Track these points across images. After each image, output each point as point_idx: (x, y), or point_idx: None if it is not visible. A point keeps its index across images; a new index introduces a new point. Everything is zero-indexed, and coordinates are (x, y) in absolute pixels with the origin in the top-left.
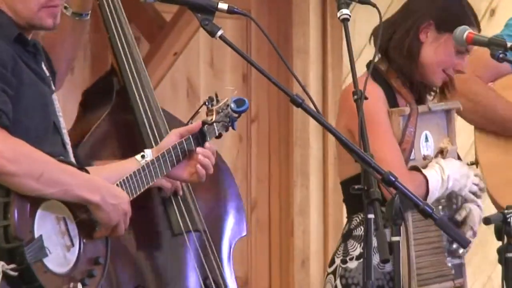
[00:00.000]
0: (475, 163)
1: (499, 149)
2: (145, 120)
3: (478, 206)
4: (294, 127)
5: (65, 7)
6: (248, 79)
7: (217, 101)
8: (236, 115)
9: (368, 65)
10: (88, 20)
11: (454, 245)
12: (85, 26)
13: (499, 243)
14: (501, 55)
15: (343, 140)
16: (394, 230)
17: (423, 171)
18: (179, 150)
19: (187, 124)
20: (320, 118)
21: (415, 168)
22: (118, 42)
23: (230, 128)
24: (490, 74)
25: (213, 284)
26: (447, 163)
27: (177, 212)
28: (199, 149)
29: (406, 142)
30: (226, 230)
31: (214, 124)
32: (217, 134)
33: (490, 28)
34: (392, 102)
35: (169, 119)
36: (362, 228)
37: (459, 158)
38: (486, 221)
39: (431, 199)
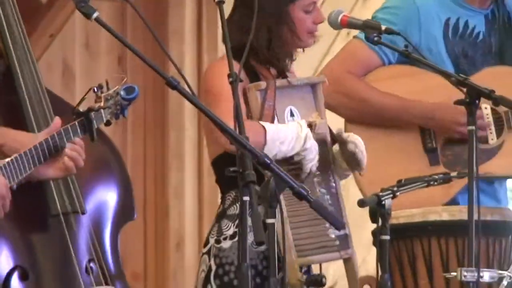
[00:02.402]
0: None
1: (372, 143)
2: (27, 101)
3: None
4: (169, 109)
5: None
6: (124, 61)
7: (108, 89)
8: (126, 102)
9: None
10: None
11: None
12: None
13: (374, 226)
14: (375, 38)
15: (218, 123)
16: (270, 213)
17: (262, 122)
18: (50, 144)
19: (74, 108)
20: (195, 100)
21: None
22: (3, 22)
23: (121, 115)
24: (361, 69)
25: (95, 266)
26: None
27: (55, 193)
28: (68, 144)
29: (266, 116)
30: (112, 213)
31: (102, 110)
32: (104, 121)
33: (365, 12)
34: (256, 81)
35: (55, 101)
36: (236, 207)
37: (330, 132)
38: (361, 203)
39: (271, 151)
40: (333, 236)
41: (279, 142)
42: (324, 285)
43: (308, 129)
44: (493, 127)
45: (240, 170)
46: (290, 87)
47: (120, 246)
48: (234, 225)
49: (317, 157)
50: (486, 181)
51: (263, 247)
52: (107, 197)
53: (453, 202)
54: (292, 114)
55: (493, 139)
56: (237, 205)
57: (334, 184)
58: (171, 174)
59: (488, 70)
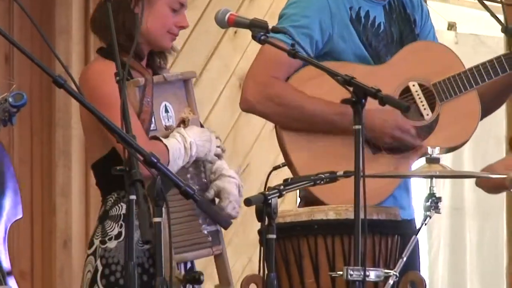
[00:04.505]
0: (287, 164)
1: (308, 148)
2: None
3: (230, 176)
4: (56, 107)
5: None
6: (11, 60)
7: None
8: (14, 109)
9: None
10: None
11: None
12: None
13: (260, 224)
14: (262, 37)
15: (104, 121)
16: (156, 211)
17: (164, 140)
18: None
19: None
20: (81, 99)
21: (156, 138)
22: None
23: (9, 123)
24: (285, 72)
25: None
26: (188, 131)
27: None
28: None
29: (145, 113)
30: (1, 212)
31: None
32: None
33: (252, 10)
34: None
35: None
36: (118, 207)
37: (201, 126)
38: (247, 202)
39: (173, 167)
40: (205, 232)
41: (177, 158)
42: (201, 282)
43: (191, 139)
44: (425, 102)
45: (126, 168)
46: (165, 83)
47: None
48: (118, 225)
49: (208, 145)
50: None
51: (148, 245)
52: None
53: (390, 200)
54: (166, 110)
55: (428, 115)
56: (119, 205)
57: (205, 181)
58: (58, 172)
59: (406, 48)
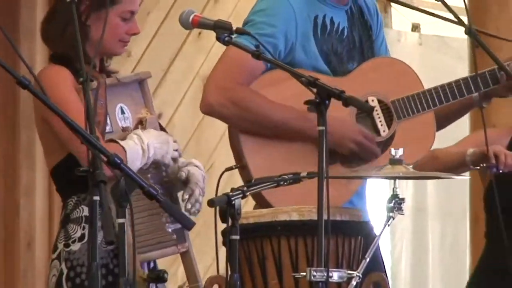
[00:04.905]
0: (242, 166)
1: (266, 152)
2: None
3: (196, 166)
4: (20, 109)
5: None
6: None
7: None
8: None
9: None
10: None
11: None
12: None
13: (224, 225)
14: (226, 38)
15: (69, 122)
16: (120, 212)
17: (121, 142)
18: None
19: None
20: (46, 100)
21: (113, 140)
22: None
23: None
24: (247, 76)
25: None
26: (146, 133)
27: None
28: None
29: (99, 115)
30: None
31: None
32: None
33: (216, 12)
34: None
35: None
36: (79, 210)
37: (160, 126)
38: (211, 203)
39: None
40: (170, 230)
41: (135, 160)
42: (165, 280)
43: (149, 140)
44: (383, 119)
45: (90, 169)
46: (119, 85)
47: None
48: (80, 227)
49: (165, 147)
50: None
51: (112, 246)
52: None
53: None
54: (122, 112)
55: (384, 131)
56: (80, 208)
57: (166, 180)
58: (22, 174)
59: (368, 63)
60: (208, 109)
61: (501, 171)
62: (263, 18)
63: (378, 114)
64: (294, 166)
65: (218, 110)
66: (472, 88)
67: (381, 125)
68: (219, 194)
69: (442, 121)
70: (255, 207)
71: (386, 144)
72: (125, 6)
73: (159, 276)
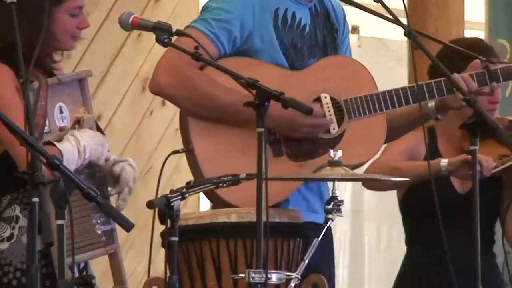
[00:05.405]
0: (189, 150)
1: (213, 137)
2: None
3: (130, 165)
4: None
5: None
6: None
7: None
8: None
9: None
10: None
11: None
12: None
13: (163, 227)
14: (166, 40)
15: (9, 124)
16: (59, 214)
17: (57, 144)
18: None
19: None
20: None
21: (50, 143)
22: None
23: None
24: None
25: None
26: (82, 134)
27: None
28: None
29: (39, 116)
30: None
31: None
32: None
33: (157, 12)
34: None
35: None
36: (12, 209)
37: (97, 126)
38: (150, 204)
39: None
40: (99, 232)
41: (71, 161)
42: (93, 285)
43: (85, 142)
44: (334, 117)
45: (30, 171)
46: (60, 84)
47: None
48: (10, 227)
49: (100, 148)
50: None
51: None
52: None
53: (302, 203)
54: (61, 111)
55: (334, 129)
56: (13, 207)
57: (100, 179)
58: None
59: (326, 59)
60: (156, 89)
61: (485, 176)
62: (220, 4)
63: (329, 111)
64: (241, 152)
65: (166, 90)
66: (426, 94)
67: (332, 122)
68: (161, 185)
69: (398, 131)
70: (212, 207)
71: (335, 142)
72: (72, 3)
73: (85, 281)
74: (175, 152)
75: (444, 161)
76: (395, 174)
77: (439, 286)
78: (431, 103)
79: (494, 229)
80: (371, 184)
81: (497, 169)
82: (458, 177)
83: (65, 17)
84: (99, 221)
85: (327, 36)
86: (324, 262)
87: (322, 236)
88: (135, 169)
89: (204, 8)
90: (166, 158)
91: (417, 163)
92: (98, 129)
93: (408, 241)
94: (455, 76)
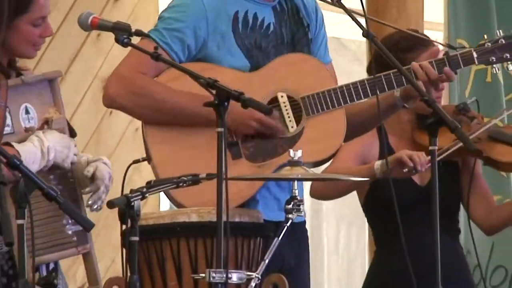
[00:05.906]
0: (147, 159)
1: (171, 143)
2: None
3: (105, 163)
4: None
5: None
6: None
7: None
8: None
9: None
10: None
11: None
12: None
13: (123, 227)
14: (125, 40)
15: None
16: (19, 213)
17: (16, 145)
18: None
19: None
20: None
21: (7, 144)
22: None
23: None
24: (153, 69)
25: None
26: (47, 135)
27: None
28: None
29: None
30: None
31: None
32: None
33: (116, 13)
34: None
35: None
36: None
37: (69, 126)
38: (110, 204)
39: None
40: (70, 232)
41: (32, 162)
42: (56, 285)
43: (50, 143)
44: (291, 115)
45: None
46: (24, 85)
47: None
48: None
49: (66, 151)
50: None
51: (6, 248)
52: None
53: (274, 203)
54: (27, 112)
55: (293, 127)
56: None
57: (72, 180)
58: None
59: (280, 58)
60: (108, 102)
61: (420, 171)
62: (173, 14)
63: (287, 110)
64: (198, 154)
65: (117, 101)
66: (385, 85)
67: (290, 120)
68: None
69: (364, 126)
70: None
71: (293, 140)
72: (34, 14)
73: (48, 281)
74: (136, 161)
75: (377, 163)
76: (337, 183)
77: (409, 284)
78: (397, 93)
79: (457, 218)
80: (320, 193)
81: (443, 156)
82: (394, 176)
83: (27, 28)
84: (70, 221)
85: (297, 33)
86: (298, 263)
87: (296, 237)
88: (109, 167)
89: (158, 18)
90: (128, 168)
91: (354, 169)
92: (70, 129)
93: (376, 242)
94: (413, 65)
